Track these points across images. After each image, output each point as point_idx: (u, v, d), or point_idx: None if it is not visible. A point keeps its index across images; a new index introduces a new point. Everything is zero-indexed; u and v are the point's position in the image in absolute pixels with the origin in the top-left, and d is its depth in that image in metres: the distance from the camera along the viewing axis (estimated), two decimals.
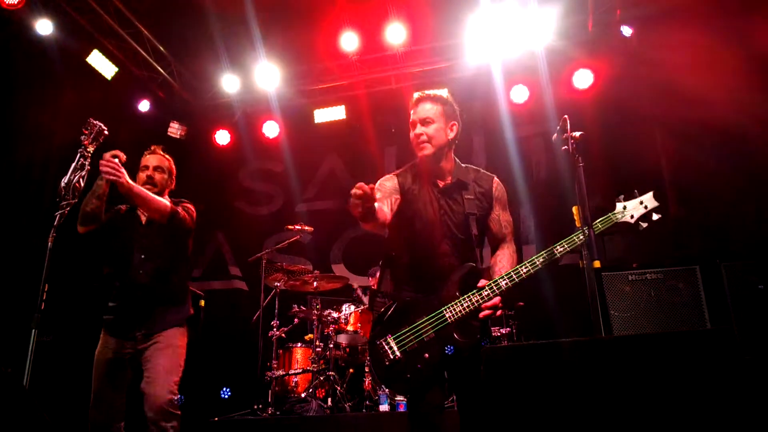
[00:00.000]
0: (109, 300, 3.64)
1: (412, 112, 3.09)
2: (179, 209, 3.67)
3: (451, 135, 3.07)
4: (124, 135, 3.48)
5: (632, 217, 3.02)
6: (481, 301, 2.79)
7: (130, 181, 3.41)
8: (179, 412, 3.43)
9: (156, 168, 3.83)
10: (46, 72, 6.78)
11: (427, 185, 3.04)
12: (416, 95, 3.12)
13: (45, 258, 2.85)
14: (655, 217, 3.06)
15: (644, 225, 3.03)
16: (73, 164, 3.07)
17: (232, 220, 8.86)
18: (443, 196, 3.03)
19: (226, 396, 5.28)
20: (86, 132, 3.15)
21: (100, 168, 3.25)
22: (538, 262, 2.87)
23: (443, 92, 3.14)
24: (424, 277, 2.94)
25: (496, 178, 3.17)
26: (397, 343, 2.77)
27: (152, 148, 3.92)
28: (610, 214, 3.01)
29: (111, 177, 3.28)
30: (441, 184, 3.05)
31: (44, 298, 2.79)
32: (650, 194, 3.10)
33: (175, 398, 3.42)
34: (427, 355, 2.73)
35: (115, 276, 3.62)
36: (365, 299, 6.94)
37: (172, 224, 3.62)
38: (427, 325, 2.78)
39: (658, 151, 7.10)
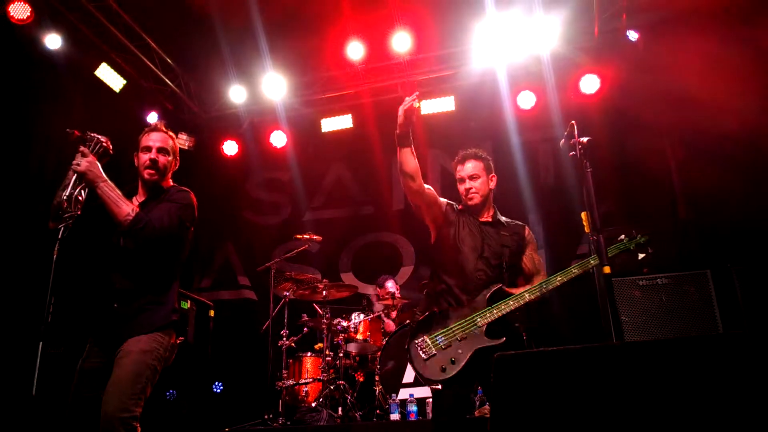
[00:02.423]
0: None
1: (459, 168, 3.65)
2: (147, 221, 3.05)
3: (492, 185, 3.64)
4: (133, 147, 3.41)
5: (633, 247, 3.44)
6: (507, 310, 3.25)
7: (94, 172, 3.00)
8: None
9: (160, 150, 3.33)
10: (55, 85, 6.84)
11: (471, 219, 3.59)
12: (461, 154, 3.67)
13: (50, 270, 2.81)
14: (649, 250, 3.46)
15: (642, 255, 3.45)
16: (73, 178, 2.98)
17: (241, 230, 8.89)
18: (483, 228, 3.56)
19: (218, 390, 5.11)
20: (84, 146, 3.04)
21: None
22: (557, 281, 3.30)
23: (481, 151, 3.68)
24: (460, 290, 3.41)
25: (527, 226, 3.71)
26: (432, 342, 3.23)
27: (154, 124, 3.44)
28: (618, 243, 3.42)
29: (73, 164, 2.97)
30: (482, 219, 3.60)
31: (51, 310, 2.77)
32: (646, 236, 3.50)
33: (127, 415, 2.84)
34: (460, 351, 3.18)
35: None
36: (375, 307, 6.92)
37: (138, 237, 3.05)
38: (460, 328, 3.24)
39: (668, 156, 7.07)
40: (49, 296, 2.77)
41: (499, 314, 3.24)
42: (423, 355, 3.20)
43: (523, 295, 3.28)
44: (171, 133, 3.45)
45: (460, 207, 3.65)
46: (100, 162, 3.06)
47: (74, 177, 2.99)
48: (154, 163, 3.28)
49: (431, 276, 3.69)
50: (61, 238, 2.89)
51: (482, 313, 3.26)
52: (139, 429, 2.92)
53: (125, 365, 2.96)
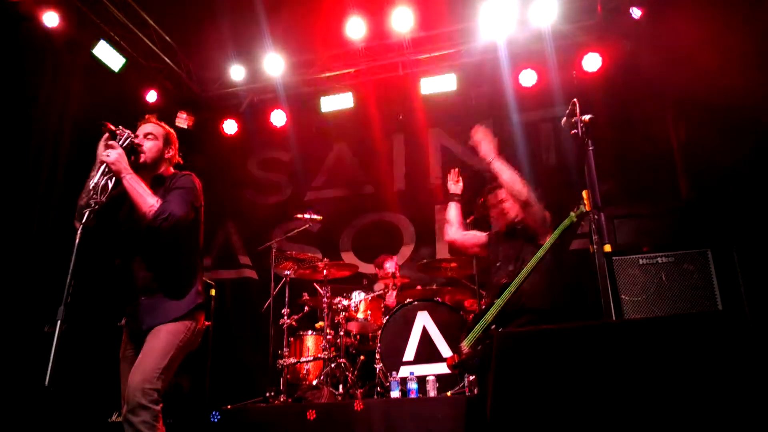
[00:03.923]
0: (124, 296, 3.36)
1: (490, 196, 4.73)
2: (170, 212, 3.13)
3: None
4: (133, 126, 3.41)
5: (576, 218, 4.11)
6: (501, 303, 4.04)
7: (122, 164, 3.10)
8: (155, 407, 2.95)
9: (147, 135, 3.38)
10: (53, 64, 6.79)
11: (497, 236, 4.79)
12: (493, 185, 4.67)
13: (72, 253, 2.82)
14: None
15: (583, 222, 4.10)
16: (102, 168, 3.07)
17: (241, 209, 8.88)
18: (502, 239, 4.69)
19: (216, 420, 5.12)
20: (114, 139, 3.13)
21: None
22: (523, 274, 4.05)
23: None
24: (490, 296, 4.42)
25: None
26: (467, 343, 4.12)
27: (145, 117, 3.49)
28: (563, 223, 4.12)
29: (102, 154, 3.08)
30: (503, 231, 4.74)
31: (70, 291, 2.78)
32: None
33: (149, 387, 2.95)
34: (480, 346, 4.04)
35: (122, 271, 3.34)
36: (375, 287, 6.93)
37: (164, 228, 3.12)
38: (480, 326, 4.10)
39: (670, 134, 7.04)
40: (69, 278, 2.79)
41: (497, 309, 4.04)
42: (462, 355, 4.12)
43: (509, 289, 4.05)
44: (164, 124, 3.50)
45: (493, 232, 4.82)
46: (128, 156, 3.15)
47: (102, 167, 3.08)
48: (137, 146, 3.31)
49: None
50: (85, 223, 2.92)
51: (491, 309, 4.07)
52: (162, 405, 3.01)
53: (153, 342, 3.11)
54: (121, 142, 3.15)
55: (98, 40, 7.10)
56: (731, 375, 1.86)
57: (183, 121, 8.43)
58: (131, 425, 2.89)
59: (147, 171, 3.36)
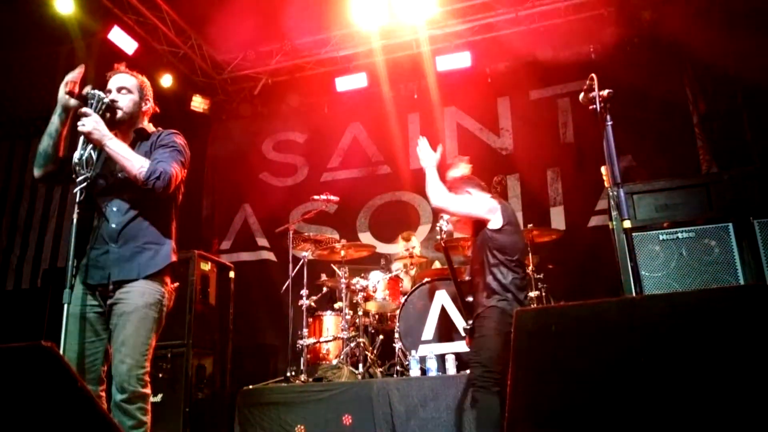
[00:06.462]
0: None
1: None
2: (163, 171, 2.98)
3: None
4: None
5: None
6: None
7: (100, 131, 2.91)
8: (147, 391, 2.90)
9: (120, 89, 3.17)
10: (68, 51, 6.82)
11: None
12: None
13: (72, 234, 2.81)
14: None
15: None
16: (81, 139, 2.92)
17: (258, 191, 8.91)
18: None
19: None
20: (86, 105, 2.95)
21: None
22: None
23: None
24: None
25: None
26: None
27: (114, 67, 3.26)
28: None
29: (78, 125, 2.90)
30: None
31: (75, 273, 2.77)
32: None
33: (143, 372, 2.89)
34: None
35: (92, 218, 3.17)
36: (392, 267, 6.95)
37: (158, 188, 2.97)
38: None
39: (689, 108, 6.92)
40: (71, 259, 2.79)
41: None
42: None
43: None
44: (136, 73, 3.30)
45: None
46: (104, 118, 2.97)
47: (82, 138, 2.93)
48: (112, 102, 3.11)
49: None
50: (79, 201, 2.87)
51: None
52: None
53: (133, 322, 2.93)
54: (94, 107, 2.95)
55: (112, 25, 7.10)
56: (755, 351, 1.84)
57: (198, 104, 8.45)
58: (126, 412, 2.80)
59: (126, 126, 3.19)
